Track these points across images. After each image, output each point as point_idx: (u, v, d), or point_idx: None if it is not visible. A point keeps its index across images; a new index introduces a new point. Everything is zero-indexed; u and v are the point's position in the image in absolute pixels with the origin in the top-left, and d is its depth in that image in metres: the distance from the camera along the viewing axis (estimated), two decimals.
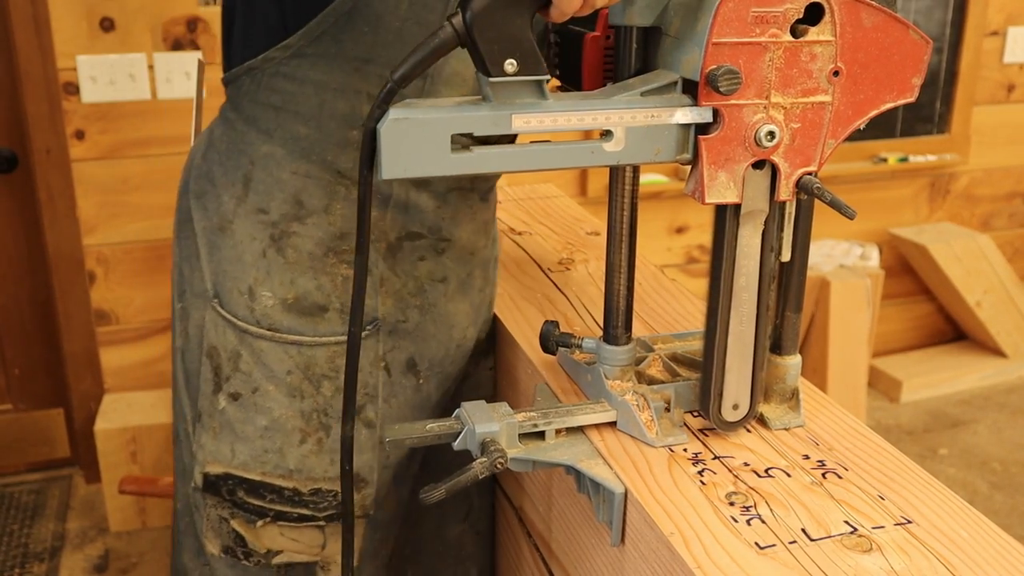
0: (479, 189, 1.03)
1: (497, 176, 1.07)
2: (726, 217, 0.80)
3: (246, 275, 0.96)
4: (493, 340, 1.15)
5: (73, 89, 2.39)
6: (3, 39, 2.37)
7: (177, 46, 2.43)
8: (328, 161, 0.94)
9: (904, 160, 3.34)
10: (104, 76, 2.40)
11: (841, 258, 3.26)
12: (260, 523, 0.99)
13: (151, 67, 2.42)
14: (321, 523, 0.99)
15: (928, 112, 3.38)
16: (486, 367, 1.15)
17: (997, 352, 3.51)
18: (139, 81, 2.42)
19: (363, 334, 0.96)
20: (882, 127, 3.32)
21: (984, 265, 3.42)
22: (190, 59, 2.44)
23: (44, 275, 2.59)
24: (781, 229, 0.83)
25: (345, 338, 0.95)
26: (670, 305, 1.15)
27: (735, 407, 0.86)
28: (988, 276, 3.43)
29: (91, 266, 2.54)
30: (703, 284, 0.84)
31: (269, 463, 0.98)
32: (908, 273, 3.53)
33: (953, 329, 3.66)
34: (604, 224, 0.91)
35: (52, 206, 2.46)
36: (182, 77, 2.45)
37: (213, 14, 2.44)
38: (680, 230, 3.17)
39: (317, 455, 0.98)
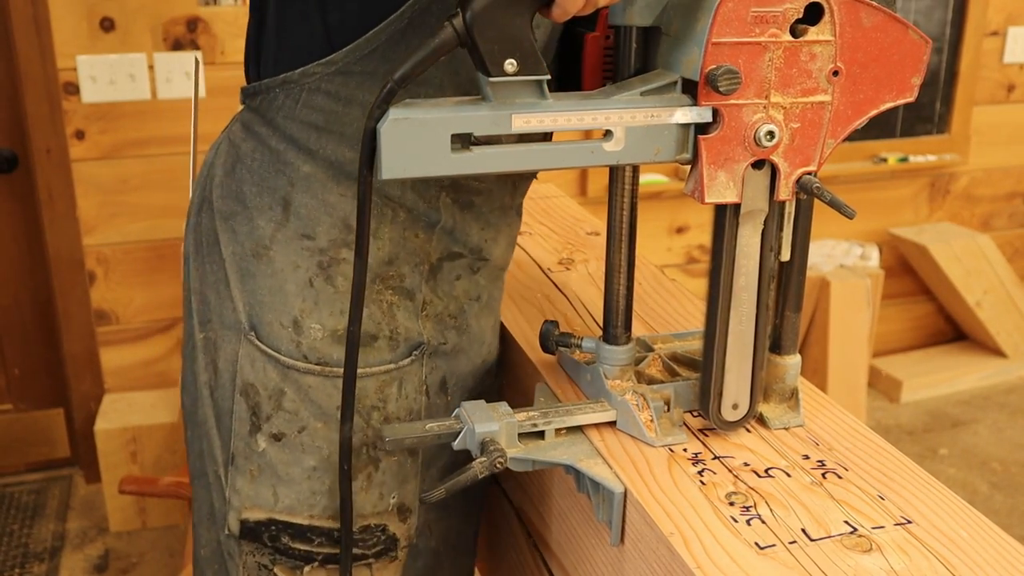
0: (516, 206, 1.00)
1: (527, 187, 1.03)
2: (726, 217, 0.80)
3: (289, 306, 0.90)
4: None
5: (73, 89, 2.39)
6: (3, 39, 2.37)
7: (177, 46, 2.44)
8: (375, 185, 0.86)
9: (904, 160, 3.35)
10: (104, 76, 2.40)
11: (841, 258, 3.26)
12: (308, 568, 0.95)
13: (151, 67, 2.43)
14: (370, 560, 0.96)
15: (928, 112, 3.39)
16: (497, 377, 1.13)
17: (997, 352, 3.51)
18: (139, 81, 2.43)
19: (410, 360, 0.93)
20: (882, 127, 3.32)
21: (984, 265, 3.42)
22: (190, 59, 2.44)
23: (44, 275, 2.59)
24: (781, 229, 0.83)
25: (392, 366, 0.92)
26: (670, 305, 1.15)
27: (735, 407, 0.86)
28: (988, 276, 3.43)
29: (91, 266, 2.55)
30: (703, 284, 0.84)
31: (318, 505, 0.93)
32: (908, 273, 3.53)
33: (953, 329, 3.66)
34: (604, 224, 0.91)
35: (52, 206, 2.46)
36: (182, 77, 2.45)
37: (213, 14, 2.45)
38: (680, 230, 3.17)
39: (367, 491, 0.94)
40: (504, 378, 1.13)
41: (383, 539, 0.95)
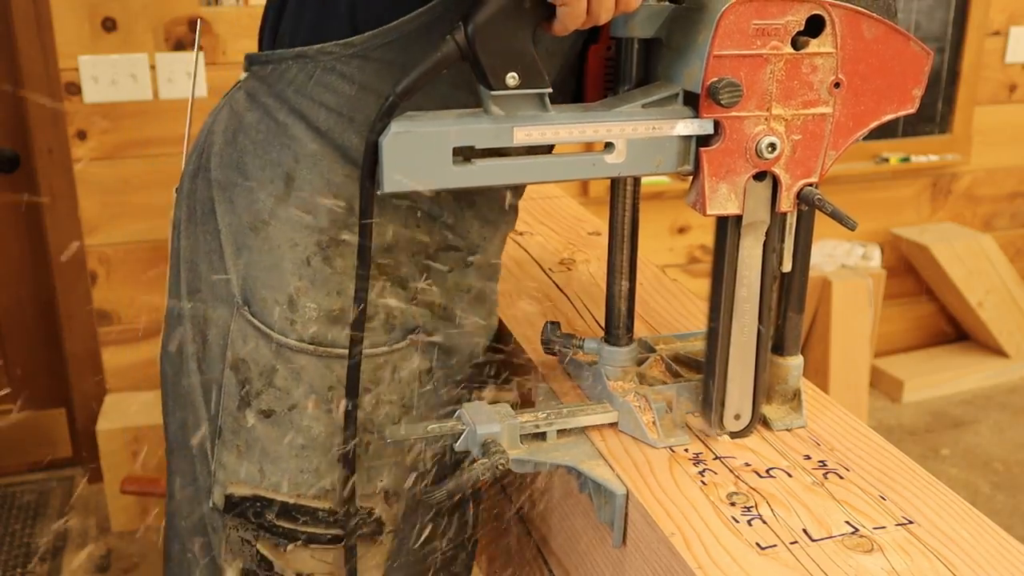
0: (514, 205, 1.00)
1: (523, 189, 1.04)
2: (727, 228, 0.81)
3: (285, 283, 0.89)
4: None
5: (75, 89, 2.40)
6: (5, 39, 2.37)
7: (179, 46, 2.44)
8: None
9: (906, 160, 3.34)
10: (106, 76, 2.40)
11: (843, 258, 3.26)
12: (290, 546, 0.94)
13: (153, 67, 2.43)
14: (352, 542, 0.96)
15: (930, 112, 3.38)
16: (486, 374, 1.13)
17: (999, 352, 3.51)
18: (141, 81, 2.43)
19: (405, 344, 0.93)
20: (884, 127, 3.31)
21: (986, 265, 3.42)
22: (192, 59, 2.44)
23: (46, 275, 2.59)
24: (782, 240, 0.83)
25: (387, 349, 0.92)
26: (672, 306, 1.15)
27: (737, 417, 0.86)
28: (990, 276, 3.43)
29: (93, 266, 2.55)
30: (705, 284, 0.84)
31: (304, 484, 0.92)
32: (910, 273, 3.53)
33: (955, 329, 3.66)
34: (605, 224, 0.91)
35: (54, 206, 2.47)
36: (184, 77, 2.45)
37: (215, 14, 2.45)
38: (682, 230, 3.17)
39: (356, 473, 0.93)
40: (506, 378, 1.13)
41: (369, 521, 0.95)
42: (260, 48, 0.94)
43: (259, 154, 0.89)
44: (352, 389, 0.84)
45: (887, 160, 3.32)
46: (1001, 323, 3.48)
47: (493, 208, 0.97)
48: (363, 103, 0.86)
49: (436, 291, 0.95)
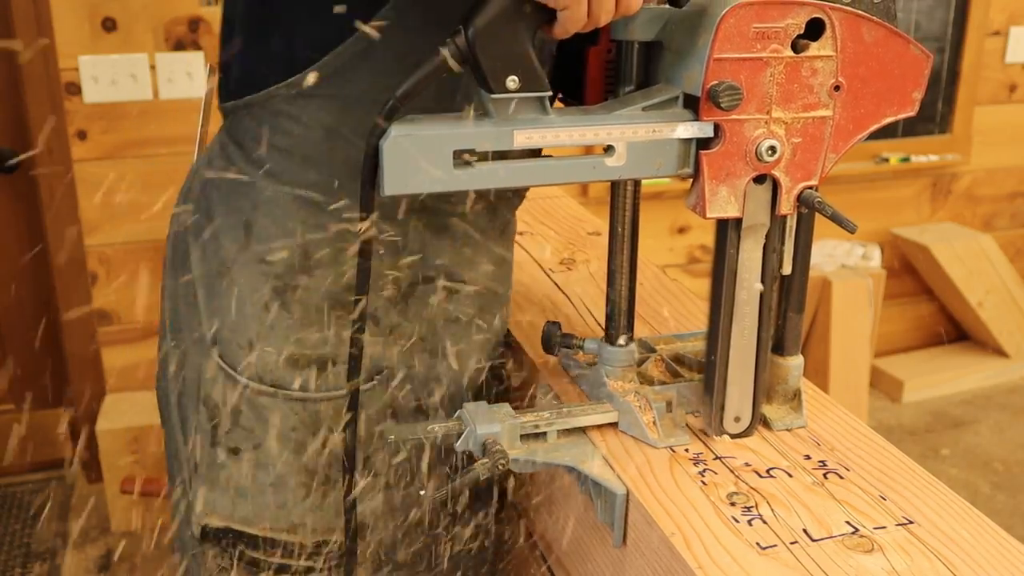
0: (500, 227, 0.99)
1: (514, 208, 1.02)
2: (727, 231, 0.81)
3: (247, 328, 0.91)
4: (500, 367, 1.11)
5: (75, 89, 2.40)
6: (5, 39, 2.37)
7: (179, 46, 2.44)
8: (339, 211, 0.88)
9: (906, 160, 3.34)
10: (106, 76, 2.40)
11: (843, 258, 3.26)
12: (262, 575, 0.96)
13: (153, 67, 2.43)
14: (324, 573, 0.97)
15: (930, 112, 3.38)
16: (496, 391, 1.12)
17: (999, 352, 3.51)
18: (141, 81, 2.43)
19: (371, 385, 0.93)
20: (884, 127, 3.32)
21: (986, 265, 3.42)
22: (192, 59, 2.44)
23: (46, 275, 2.59)
24: (782, 242, 0.83)
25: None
26: (672, 306, 1.15)
27: (737, 419, 0.86)
28: (990, 276, 3.43)
29: (93, 266, 2.55)
30: (705, 284, 0.84)
31: (272, 518, 0.94)
32: (910, 273, 3.53)
33: (955, 329, 3.66)
34: (606, 224, 0.91)
35: (54, 206, 2.47)
36: (184, 77, 2.45)
37: (215, 14, 2.45)
38: (682, 230, 3.17)
39: (321, 508, 0.94)
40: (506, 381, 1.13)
41: (339, 554, 0.96)
42: (220, 100, 0.95)
43: (224, 201, 0.92)
44: (353, 403, 0.83)
45: (887, 160, 3.32)
46: (1001, 323, 3.48)
47: (471, 231, 0.95)
48: (313, 140, 0.87)
49: (415, 324, 0.94)
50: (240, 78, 0.90)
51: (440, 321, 0.96)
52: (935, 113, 3.40)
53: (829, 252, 3.25)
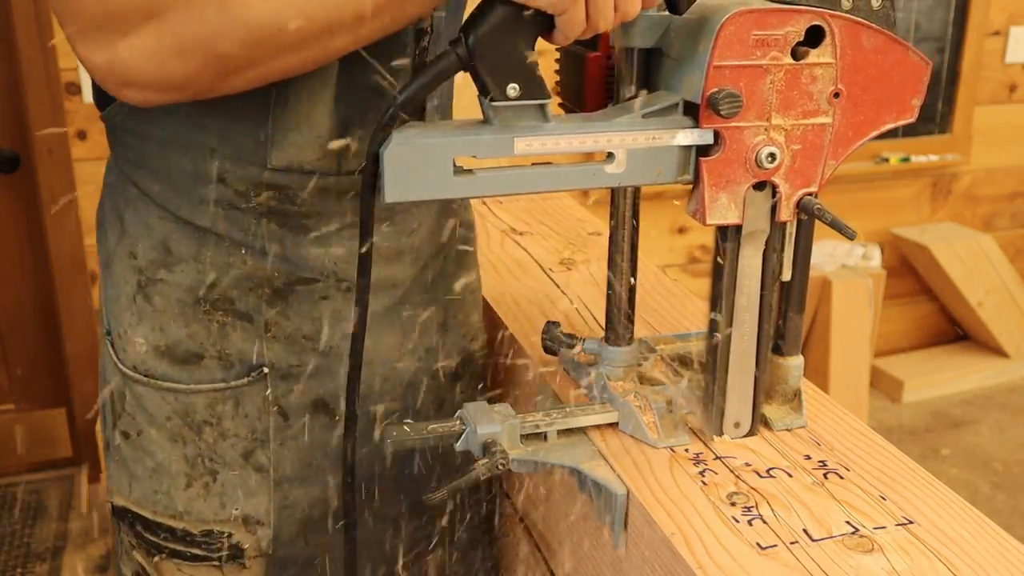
0: (383, 218, 0.95)
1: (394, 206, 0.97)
2: (727, 237, 0.81)
3: (122, 318, 0.94)
4: (472, 364, 1.10)
5: (75, 89, 2.40)
6: (5, 39, 2.37)
7: None
8: (185, 218, 0.90)
9: (906, 160, 3.35)
10: None
11: (843, 258, 3.26)
12: (158, 558, 0.98)
13: None
14: (216, 563, 0.98)
15: (930, 112, 3.39)
16: (467, 392, 1.10)
17: (999, 352, 3.51)
18: None
19: (246, 381, 0.93)
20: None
21: (986, 265, 3.42)
22: None
23: (46, 275, 2.59)
24: (782, 249, 0.83)
25: (224, 385, 0.94)
26: (672, 306, 1.15)
27: (736, 425, 0.87)
28: (990, 276, 3.43)
29: (93, 266, 2.55)
30: (705, 284, 0.84)
31: (159, 503, 0.96)
32: (910, 273, 3.53)
33: (955, 329, 3.66)
34: (606, 224, 0.91)
35: (54, 206, 2.47)
36: None
37: None
38: (682, 230, 3.17)
39: (205, 499, 0.96)
40: (506, 379, 1.13)
41: (228, 546, 0.97)
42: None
43: (110, 195, 0.96)
44: (351, 398, 0.83)
45: (887, 160, 3.32)
46: (1001, 323, 3.48)
47: (339, 229, 0.93)
48: (150, 152, 0.89)
49: (297, 322, 0.93)
50: (95, 95, 0.93)
51: (330, 319, 0.94)
52: (935, 113, 3.40)
53: (829, 252, 3.25)
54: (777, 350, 0.89)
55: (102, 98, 0.91)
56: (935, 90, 3.36)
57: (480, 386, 1.12)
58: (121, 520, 1.00)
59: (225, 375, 0.93)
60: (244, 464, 0.95)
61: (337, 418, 0.98)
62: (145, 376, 0.94)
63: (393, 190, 0.72)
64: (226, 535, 0.97)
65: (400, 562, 1.08)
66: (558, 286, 1.22)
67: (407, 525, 1.07)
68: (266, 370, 0.94)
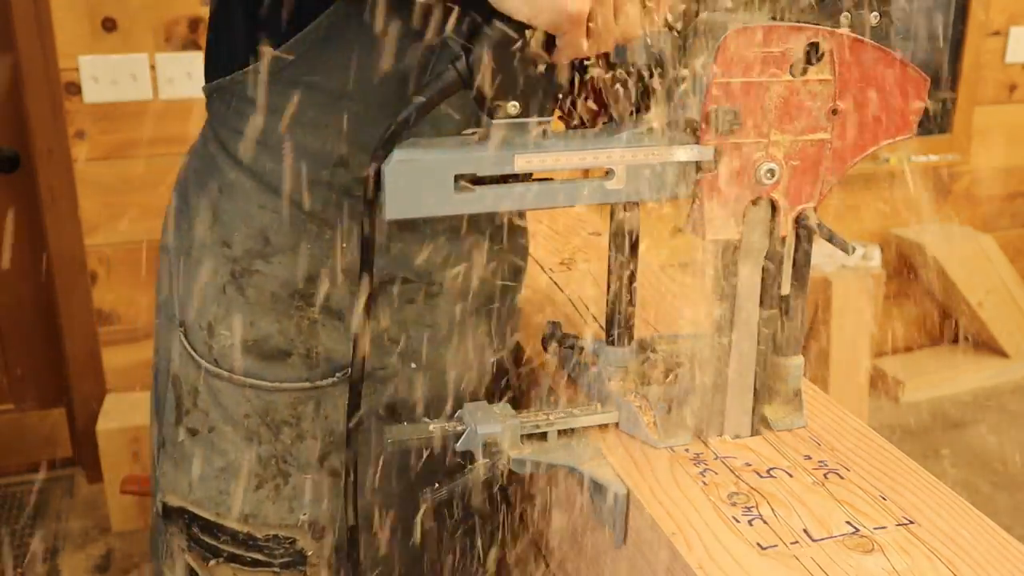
0: (476, 227, 0.96)
1: (495, 215, 0.99)
2: (726, 252, 0.81)
3: (207, 310, 0.91)
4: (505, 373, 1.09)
5: (75, 89, 2.39)
6: (5, 39, 2.37)
7: (179, 46, 2.44)
8: (296, 200, 0.88)
9: (906, 160, 3.34)
10: (106, 76, 2.40)
11: (843, 258, 3.26)
12: (213, 562, 0.95)
13: (153, 67, 2.43)
14: (276, 569, 0.95)
15: (930, 112, 3.38)
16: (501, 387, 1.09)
17: (999, 352, 3.51)
18: (141, 81, 2.42)
19: (331, 381, 0.92)
20: None
21: (986, 265, 3.42)
22: (192, 59, 2.44)
23: (46, 275, 2.59)
24: (781, 263, 0.84)
25: (308, 385, 0.91)
26: (672, 306, 1.15)
27: (737, 425, 0.87)
28: (990, 276, 3.43)
29: (93, 266, 2.55)
30: (705, 284, 0.84)
31: (223, 504, 0.93)
32: (910, 273, 3.53)
33: (955, 329, 3.65)
34: (606, 225, 0.91)
35: (54, 206, 2.47)
36: (184, 77, 2.45)
37: None
38: (682, 230, 3.16)
39: (274, 501, 0.93)
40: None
41: (290, 551, 0.95)
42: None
43: (197, 183, 0.93)
44: (353, 405, 0.83)
45: (887, 160, 3.32)
46: (1001, 323, 3.48)
47: (440, 232, 0.92)
48: (271, 128, 0.86)
49: (386, 324, 0.92)
50: (213, 61, 0.91)
51: (413, 324, 0.94)
52: (935, 113, 3.39)
53: (829, 252, 3.24)
54: (777, 350, 0.89)
55: (217, 69, 0.89)
56: (935, 91, 3.36)
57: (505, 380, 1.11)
58: (173, 521, 0.96)
59: (310, 374, 0.91)
60: (319, 468, 0.93)
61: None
62: (227, 371, 0.91)
63: (394, 207, 0.73)
64: (290, 541, 0.94)
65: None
66: (558, 286, 1.22)
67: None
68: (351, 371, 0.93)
